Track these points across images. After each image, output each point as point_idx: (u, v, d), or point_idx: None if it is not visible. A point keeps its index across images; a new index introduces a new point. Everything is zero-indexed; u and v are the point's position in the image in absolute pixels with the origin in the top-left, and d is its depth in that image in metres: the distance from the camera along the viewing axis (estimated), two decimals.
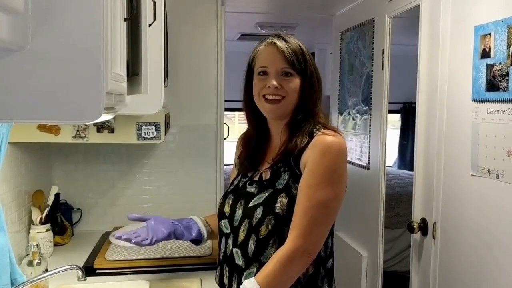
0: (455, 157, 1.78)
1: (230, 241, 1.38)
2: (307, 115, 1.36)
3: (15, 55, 0.78)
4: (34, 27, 0.78)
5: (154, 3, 1.38)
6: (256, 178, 1.40)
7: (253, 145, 1.46)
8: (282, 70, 1.33)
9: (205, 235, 1.57)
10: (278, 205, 1.29)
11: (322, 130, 1.33)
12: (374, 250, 2.49)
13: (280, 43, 1.34)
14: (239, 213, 1.36)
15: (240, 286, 1.26)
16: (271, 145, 1.44)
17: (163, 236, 1.48)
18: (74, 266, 1.42)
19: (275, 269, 1.25)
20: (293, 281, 1.29)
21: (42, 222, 1.98)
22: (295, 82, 1.34)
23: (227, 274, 1.39)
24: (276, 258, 1.26)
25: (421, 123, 2.00)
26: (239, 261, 1.35)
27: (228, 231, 1.39)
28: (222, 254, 1.43)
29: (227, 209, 1.40)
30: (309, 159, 1.29)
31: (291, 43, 1.35)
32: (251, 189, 1.38)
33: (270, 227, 1.29)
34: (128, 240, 1.47)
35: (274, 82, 1.32)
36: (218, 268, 1.46)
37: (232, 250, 1.37)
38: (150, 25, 1.31)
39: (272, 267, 1.25)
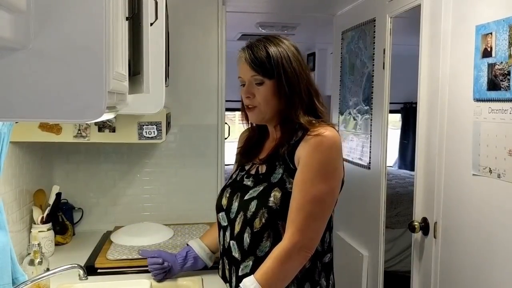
0: (456, 157, 1.78)
1: (227, 234, 1.40)
2: (288, 115, 1.36)
3: (17, 53, 0.78)
4: (36, 26, 0.78)
5: (156, 3, 1.38)
6: (253, 172, 1.42)
7: (254, 140, 1.50)
8: (252, 79, 1.35)
9: (209, 264, 1.66)
10: (271, 199, 1.31)
11: (316, 124, 1.33)
12: (375, 249, 2.49)
13: (244, 54, 1.36)
14: (235, 205, 1.38)
15: (240, 284, 1.27)
16: (269, 140, 1.47)
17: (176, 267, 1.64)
18: (76, 265, 1.42)
19: (273, 267, 1.26)
20: (292, 276, 1.30)
21: (43, 222, 1.98)
22: (267, 88, 1.34)
23: (227, 267, 1.41)
24: (274, 255, 1.27)
25: (422, 123, 2.00)
26: (236, 254, 1.37)
27: (226, 224, 1.41)
28: (221, 247, 1.46)
29: (224, 202, 1.43)
30: (303, 153, 1.30)
31: (256, 50, 1.34)
32: (248, 182, 1.40)
33: (263, 220, 1.31)
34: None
35: (244, 93, 1.38)
36: (220, 262, 1.48)
37: (229, 243, 1.39)
38: (151, 24, 1.31)
39: (270, 265, 1.26)
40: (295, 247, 1.27)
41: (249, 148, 1.50)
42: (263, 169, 1.39)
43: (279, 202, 1.30)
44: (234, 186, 1.44)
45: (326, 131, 1.30)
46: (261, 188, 1.34)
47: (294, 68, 1.34)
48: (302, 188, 1.28)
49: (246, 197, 1.36)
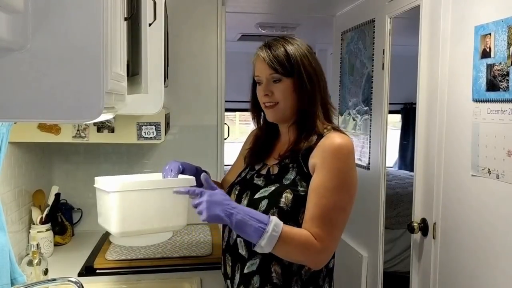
0: (455, 157, 1.78)
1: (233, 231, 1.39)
2: (308, 113, 1.37)
3: (15, 54, 0.78)
4: (34, 26, 0.78)
5: (155, 3, 1.38)
6: (264, 172, 1.42)
7: (262, 142, 1.50)
8: (270, 77, 1.37)
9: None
10: (283, 200, 1.31)
11: (331, 131, 1.35)
12: (375, 250, 2.48)
13: (262, 53, 1.38)
14: (244, 203, 1.38)
15: (271, 217, 1.24)
16: (279, 142, 1.47)
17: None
18: (72, 279, 1.40)
19: (298, 242, 1.24)
20: (293, 260, 1.29)
21: (42, 222, 1.98)
22: (285, 85, 1.36)
23: (230, 264, 1.41)
24: (306, 237, 1.25)
25: (422, 123, 2.00)
26: (242, 251, 1.36)
27: None
28: (225, 244, 1.45)
29: (233, 199, 1.42)
30: (319, 160, 1.30)
31: (274, 49, 1.37)
32: (258, 181, 1.40)
33: None
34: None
35: (262, 91, 1.38)
36: (222, 258, 1.48)
37: (236, 240, 1.39)
38: (150, 24, 1.31)
39: (298, 236, 1.24)
40: (328, 253, 1.28)
41: (258, 149, 1.50)
42: (274, 170, 1.40)
43: (290, 203, 1.30)
44: (244, 184, 1.44)
45: (342, 139, 1.31)
46: (273, 188, 1.34)
47: (314, 66, 1.39)
48: (325, 196, 1.27)
49: (256, 196, 1.36)
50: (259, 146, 1.50)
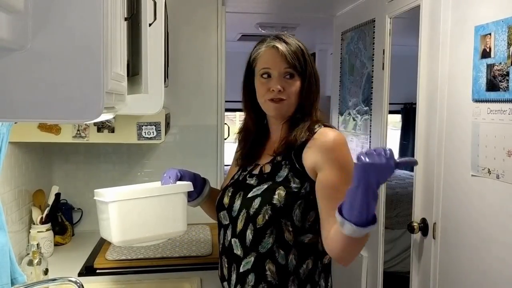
0: (455, 157, 1.78)
1: (228, 232, 1.40)
2: (305, 113, 1.39)
3: (15, 54, 0.78)
4: (34, 26, 0.78)
5: (155, 3, 1.38)
6: (256, 172, 1.42)
7: (251, 140, 1.49)
8: (284, 72, 1.35)
9: (206, 192, 1.53)
10: (276, 196, 1.31)
11: (322, 127, 1.36)
12: (375, 250, 2.48)
13: (281, 46, 1.36)
14: (237, 203, 1.38)
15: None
16: (270, 140, 1.47)
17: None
18: (72, 278, 1.40)
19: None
20: (351, 256, 1.29)
21: (42, 222, 1.98)
22: (297, 83, 1.36)
23: (226, 266, 1.41)
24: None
25: (422, 123, 2.00)
26: (237, 251, 1.36)
27: (227, 222, 1.41)
28: (221, 246, 1.45)
29: (226, 200, 1.42)
30: (320, 159, 1.30)
31: (291, 44, 1.37)
32: (251, 181, 1.40)
33: (267, 217, 1.31)
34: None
35: (278, 86, 1.34)
36: (219, 261, 1.48)
37: (230, 241, 1.39)
38: (150, 25, 1.32)
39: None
40: None
41: (249, 150, 1.49)
42: (266, 168, 1.39)
43: (283, 200, 1.30)
44: (237, 185, 1.44)
45: (334, 132, 1.34)
46: (265, 186, 1.35)
47: (314, 67, 1.41)
48: (336, 195, 1.25)
49: (249, 195, 1.36)
50: (250, 147, 1.49)
